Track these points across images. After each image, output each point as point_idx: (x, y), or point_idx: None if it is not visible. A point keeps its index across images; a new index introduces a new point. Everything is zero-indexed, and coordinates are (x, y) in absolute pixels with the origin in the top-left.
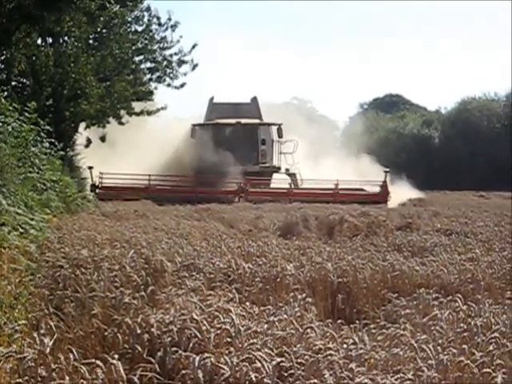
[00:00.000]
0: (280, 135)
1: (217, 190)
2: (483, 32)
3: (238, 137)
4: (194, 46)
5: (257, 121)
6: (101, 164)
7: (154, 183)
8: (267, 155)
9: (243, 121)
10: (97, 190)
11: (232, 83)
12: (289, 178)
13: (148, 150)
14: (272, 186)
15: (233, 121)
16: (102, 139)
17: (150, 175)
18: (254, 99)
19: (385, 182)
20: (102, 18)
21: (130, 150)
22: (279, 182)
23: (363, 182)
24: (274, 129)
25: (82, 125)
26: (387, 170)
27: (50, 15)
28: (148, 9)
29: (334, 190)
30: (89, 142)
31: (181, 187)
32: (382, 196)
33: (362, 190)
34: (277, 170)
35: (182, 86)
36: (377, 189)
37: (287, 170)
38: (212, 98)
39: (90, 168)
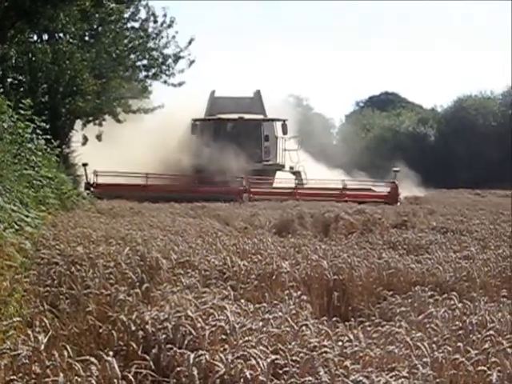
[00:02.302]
0: (284, 131)
1: (218, 190)
2: (480, 31)
3: (240, 133)
4: (190, 42)
5: (260, 116)
6: (97, 161)
7: (151, 182)
8: (271, 152)
9: (246, 116)
10: (91, 189)
11: (228, 80)
12: (293, 177)
13: (146, 147)
14: (275, 184)
15: (235, 116)
16: (99, 138)
17: (147, 174)
18: (258, 93)
19: (394, 181)
20: (97, 15)
21: (128, 147)
22: (283, 180)
23: (372, 181)
24: (279, 125)
25: (79, 122)
26: (397, 169)
27: (44, 11)
28: (145, 5)
29: (341, 190)
30: (85, 139)
31: (180, 186)
32: (392, 196)
33: (370, 190)
34: (281, 167)
35: (181, 84)
36: (386, 189)
37: (291, 167)
38: (213, 92)
39: (85, 165)
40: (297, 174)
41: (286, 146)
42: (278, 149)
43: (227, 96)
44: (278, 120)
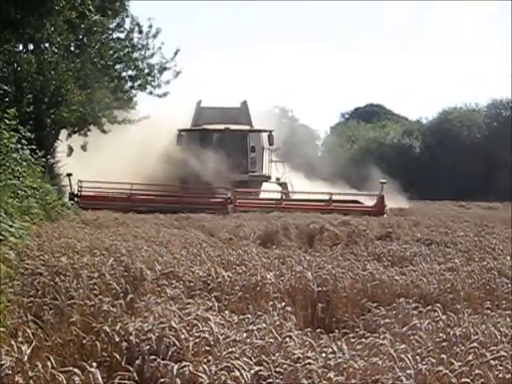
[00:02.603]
0: (271, 142)
1: (203, 201)
2: (465, 43)
3: (226, 143)
4: (176, 53)
5: (247, 127)
6: (82, 171)
7: (136, 193)
8: (257, 163)
9: (232, 126)
10: (75, 199)
11: (212, 91)
12: (280, 188)
13: (132, 158)
14: (261, 196)
15: (221, 126)
16: (84, 148)
17: (132, 184)
18: (244, 103)
19: (381, 194)
20: (82, 26)
21: (113, 158)
22: (269, 192)
23: (358, 193)
24: (265, 135)
25: (64, 133)
26: (384, 181)
27: (30, 21)
28: (130, 15)
29: (327, 202)
30: (71, 150)
31: (165, 197)
32: (379, 208)
33: (357, 202)
34: (267, 179)
35: (165, 94)
36: (373, 201)
37: (278, 179)
38: (199, 102)
39: (69, 175)
40: (283, 185)
41: (273, 157)
42: (265, 160)
43: (214, 106)
44: (265, 131)
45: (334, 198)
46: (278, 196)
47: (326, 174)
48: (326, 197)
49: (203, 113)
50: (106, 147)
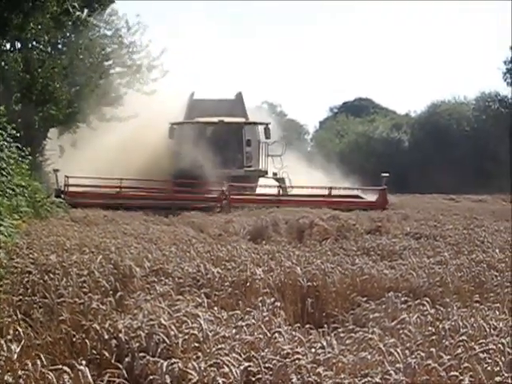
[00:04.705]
0: (267, 136)
1: (197, 197)
2: (453, 35)
3: (220, 137)
4: (163, 51)
5: (242, 119)
6: (72, 169)
7: (126, 189)
8: (253, 158)
9: (227, 119)
10: (62, 196)
11: (203, 85)
12: (277, 183)
13: (122, 153)
14: (258, 191)
15: (215, 119)
16: (74, 145)
17: (121, 179)
18: (239, 95)
19: (384, 188)
20: (69, 23)
21: (103, 153)
22: (266, 187)
23: (358, 187)
24: (261, 128)
25: (53, 131)
26: (386, 174)
27: (13, 20)
28: (116, 12)
29: (326, 197)
30: (62, 151)
31: (156, 193)
32: (381, 204)
33: (357, 196)
34: (263, 174)
35: (153, 92)
36: (374, 196)
37: (275, 174)
38: (192, 94)
39: (56, 171)
40: (280, 180)
41: (269, 151)
42: (261, 154)
43: (207, 98)
44: (261, 123)
45: (334, 192)
46: (275, 191)
47: (316, 167)
48: (326, 191)
49: (196, 105)
50: (95, 143)
